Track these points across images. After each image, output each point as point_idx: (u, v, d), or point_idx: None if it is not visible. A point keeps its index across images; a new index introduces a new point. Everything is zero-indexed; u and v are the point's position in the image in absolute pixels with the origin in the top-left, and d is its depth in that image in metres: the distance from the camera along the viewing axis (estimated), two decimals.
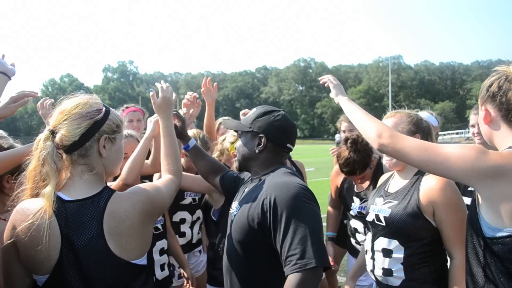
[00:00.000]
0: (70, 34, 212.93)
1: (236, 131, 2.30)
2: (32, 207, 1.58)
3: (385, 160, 2.44)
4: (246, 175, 2.33)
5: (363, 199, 3.21)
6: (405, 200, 2.21)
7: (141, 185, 1.80)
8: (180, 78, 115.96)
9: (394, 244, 2.21)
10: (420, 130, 2.38)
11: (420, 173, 2.27)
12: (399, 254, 2.20)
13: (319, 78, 2.47)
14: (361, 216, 3.17)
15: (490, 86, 1.69)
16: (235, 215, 2.02)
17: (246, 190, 2.10)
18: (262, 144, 2.06)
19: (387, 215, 2.24)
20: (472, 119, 3.72)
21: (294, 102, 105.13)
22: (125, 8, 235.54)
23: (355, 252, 3.43)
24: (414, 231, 2.16)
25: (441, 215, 2.13)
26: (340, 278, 4.74)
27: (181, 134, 2.54)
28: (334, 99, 2.32)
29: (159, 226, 2.91)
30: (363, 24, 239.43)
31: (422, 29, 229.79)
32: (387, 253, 2.24)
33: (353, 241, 3.44)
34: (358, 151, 3.03)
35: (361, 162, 3.03)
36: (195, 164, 2.63)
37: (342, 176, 3.48)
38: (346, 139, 3.13)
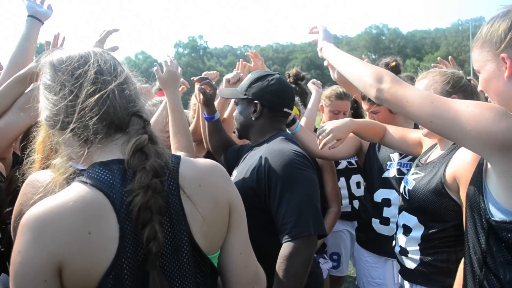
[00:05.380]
0: (143, 12, 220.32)
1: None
2: (42, 179, 1.52)
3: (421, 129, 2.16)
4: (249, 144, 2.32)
5: (402, 154, 2.60)
6: (431, 173, 1.97)
7: None
8: (249, 51, 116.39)
9: (413, 221, 2.03)
10: (459, 90, 2.05)
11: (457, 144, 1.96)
12: (417, 233, 2.01)
13: (309, 29, 2.25)
14: (399, 178, 2.54)
15: (509, 29, 1.34)
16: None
17: (246, 157, 2.08)
18: (258, 110, 2.02)
19: (410, 188, 2.05)
20: None
21: None
22: None
23: (372, 243, 2.77)
24: (436, 210, 1.93)
25: (462, 195, 1.79)
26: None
27: (209, 102, 2.50)
28: (318, 44, 2.06)
29: None
30: None
31: None
32: (406, 230, 2.08)
33: (375, 222, 2.70)
34: None
35: None
36: (210, 136, 2.60)
37: None
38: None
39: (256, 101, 2.04)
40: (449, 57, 2.96)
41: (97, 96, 1.05)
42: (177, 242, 1.06)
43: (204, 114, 2.57)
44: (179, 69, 2.18)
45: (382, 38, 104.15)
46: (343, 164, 3.42)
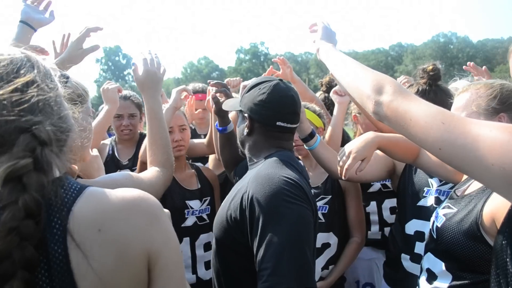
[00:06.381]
0: (206, 18, 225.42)
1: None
2: None
3: None
4: None
5: (443, 181, 2.20)
6: (466, 209, 1.58)
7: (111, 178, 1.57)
8: (310, 58, 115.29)
9: (439, 267, 1.65)
10: (509, 107, 1.67)
11: None
12: (443, 283, 1.62)
13: (309, 27, 1.86)
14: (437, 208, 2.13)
15: None
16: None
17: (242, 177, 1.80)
18: (248, 125, 1.73)
19: (439, 225, 1.68)
20: None
21: None
22: None
23: (400, 282, 2.34)
24: (468, 258, 1.53)
25: None
26: None
27: (221, 112, 2.29)
28: (315, 45, 1.71)
29: (204, 216, 2.70)
30: None
31: None
32: (430, 276, 1.70)
33: (405, 258, 2.30)
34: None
35: None
36: (222, 149, 2.37)
37: None
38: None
39: (245, 114, 1.76)
40: (483, 67, 2.55)
41: None
42: None
43: (216, 125, 2.35)
44: (162, 68, 1.92)
45: (450, 47, 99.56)
46: (376, 186, 3.03)
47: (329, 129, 2.77)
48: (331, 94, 2.85)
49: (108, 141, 3.26)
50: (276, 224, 1.41)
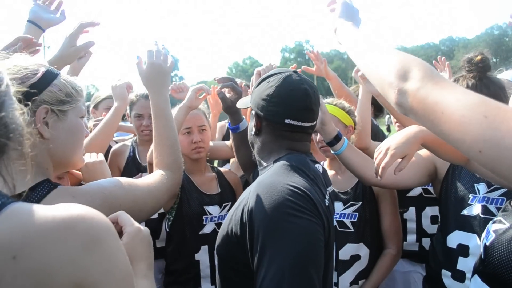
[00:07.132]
0: (251, 18, 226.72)
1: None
2: None
3: None
4: None
5: (492, 185, 1.91)
6: None
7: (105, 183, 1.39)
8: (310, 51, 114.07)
9: None
10: None
11: None
12: None
13: (328, 5, 1.53)
14: (485, 219, 1.86)
15: None
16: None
17: None
18: (256, 123, 1.51)
19: (487, 243, 1.39)
20: None
21: None
22: None
23: None
24: None
25: None
26: None
27: (230, 110, 2.11)
28: (332, 25, 1.41)
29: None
30: None
31: None
32: None
33: (446, 275, 2.00)
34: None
35: None
36: (237, 150, 2.18)
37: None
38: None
39: (253, 111, 1.54)
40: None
41: None
42: None
43: (229, 124, 2.16)
44: (170, 60, 1.75)
45: (506, 40, 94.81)
46: (416, 190, 2.71)
47: (357, 109, 2.50)
48: (353, 73, 2.52)
49: (129, 142, 3.13)
50: (276, 242, 1.20)
